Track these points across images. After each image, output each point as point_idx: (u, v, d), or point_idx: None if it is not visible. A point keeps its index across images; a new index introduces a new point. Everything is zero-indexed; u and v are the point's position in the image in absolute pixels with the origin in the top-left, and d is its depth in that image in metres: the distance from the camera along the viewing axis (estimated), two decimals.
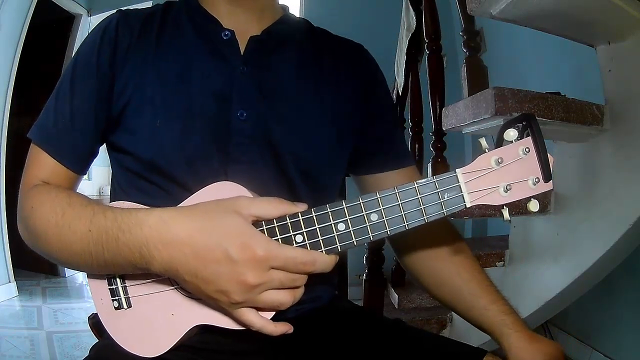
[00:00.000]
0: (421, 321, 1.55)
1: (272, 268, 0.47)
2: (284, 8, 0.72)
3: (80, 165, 0.63)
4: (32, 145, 0.62)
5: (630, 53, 1.05)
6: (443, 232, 0.70)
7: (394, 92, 2.08)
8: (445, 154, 1.44)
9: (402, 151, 0.75)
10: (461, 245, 0.69)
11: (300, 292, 0.49)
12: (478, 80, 1.42)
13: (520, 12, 1.00)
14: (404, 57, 1.85)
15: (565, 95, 1.10)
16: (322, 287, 0.71)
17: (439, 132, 1.43)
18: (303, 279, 0.49)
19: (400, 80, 1.94)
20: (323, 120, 0.66)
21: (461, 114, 1.17)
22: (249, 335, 0.51)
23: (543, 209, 1.23)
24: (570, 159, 1.20)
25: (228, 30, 0.64)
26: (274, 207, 0.49)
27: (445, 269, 0.68)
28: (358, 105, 0.70)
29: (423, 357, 0.60)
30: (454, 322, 1.55)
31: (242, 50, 0.64)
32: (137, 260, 0.48)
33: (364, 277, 1.63)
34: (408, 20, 1.83)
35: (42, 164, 0.60)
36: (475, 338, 0.72)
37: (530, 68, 2.28)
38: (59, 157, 0.60)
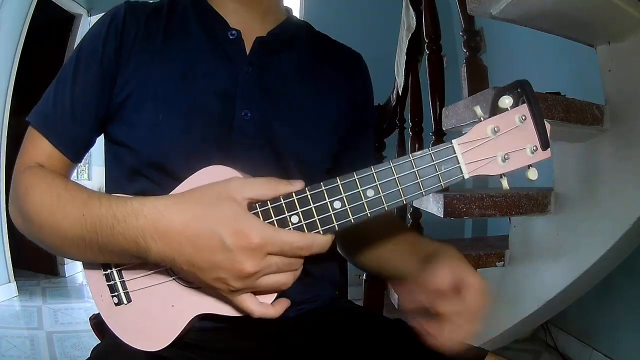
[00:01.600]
0: None
1: (269, 254, 0.46)
2: (288, 10, 0.72)
3: (76, 152, 0.63)
4: (29, 128, 0.61)
5: (630, 53, 1.05)
6: (388, 224, 0.70)
7: (394, 92, 2.08)
8: None
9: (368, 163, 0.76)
10: (405, 231, 0.70)
11: (300, 270, 0.49)
12: (478, 80, 1.42)
13: (520, 12, 1.00)
14: (404, 57, 1.85)
15: (565, 95, 1.10)
16: (323, 286, 0.71)
17: (439, 132, 1.43)
18: (300, 262, 0.48)
19: (400, 80, 1.93)
20: (324, 122, 0.67)
21: (461, 114, 1.17)
22: (250, 334, 0.51)
23: (543, 209, 1.23)
24: (570, 159, 1.20)
25: (235, 30, 0.64)
26: (267, 187, 0.48)
27: (386, 249, 0.69)
28: (348, 111, 0.71)
29: (424, 356, 0.60)
30: None
31: (247, 51, 0.64)
32: (133, 249, 0.48)
33: (364, 277, 1.62)
34: (408, 20, 1.82)
35: (38, 147, 0.60)
36: (475, 338, 0.71)
37: (530, 68, 2.28)
38: (55, 141, 0.60)
